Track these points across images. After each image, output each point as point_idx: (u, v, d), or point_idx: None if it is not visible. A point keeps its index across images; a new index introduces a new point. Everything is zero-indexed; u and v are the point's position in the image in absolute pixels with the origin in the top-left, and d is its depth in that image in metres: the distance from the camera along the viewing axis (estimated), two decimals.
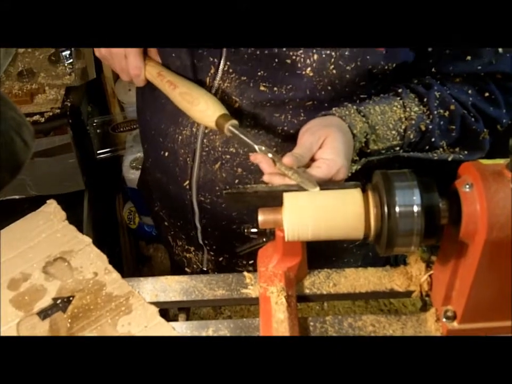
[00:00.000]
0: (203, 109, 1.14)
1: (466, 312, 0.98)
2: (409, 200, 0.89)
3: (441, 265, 1.03)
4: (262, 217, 0.98)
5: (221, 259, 1.52)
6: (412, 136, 1.18)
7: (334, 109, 1.15)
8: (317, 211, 0.94)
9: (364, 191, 0.96)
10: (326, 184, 1.00)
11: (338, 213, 0.94)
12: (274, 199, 0.98)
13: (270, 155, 1.04)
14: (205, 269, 1.58)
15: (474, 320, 0.99)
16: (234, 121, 1.11)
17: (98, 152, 2.57)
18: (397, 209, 0.89)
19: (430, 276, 1.10)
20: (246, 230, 1.08)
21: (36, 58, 2.51)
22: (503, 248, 0.87)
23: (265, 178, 1.04)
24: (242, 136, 1.09)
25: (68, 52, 2.42)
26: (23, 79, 2.34)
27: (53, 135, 2.20)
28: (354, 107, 1.15)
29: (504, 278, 0.91)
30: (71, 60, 2.43)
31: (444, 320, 1.01)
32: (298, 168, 1.01)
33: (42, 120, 2.17)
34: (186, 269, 1.63)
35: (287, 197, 0.96)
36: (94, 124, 2.56)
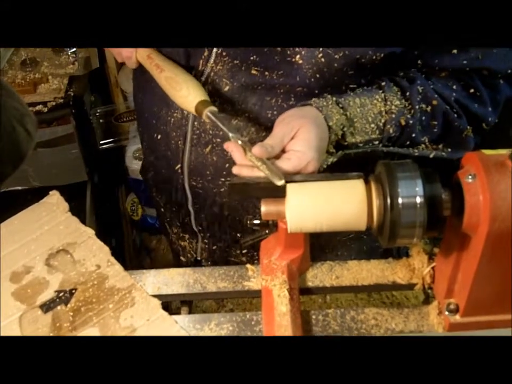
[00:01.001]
0: (185, 95, 1.14)
1: (468, 305, 0.97)
2: (412, 191, 0.88)
3: (444, 258, 1.03)
4: (265, 208, 0.98)
5: (214, 248, 1.52)
6: (391, 131, 1.16)
7: (313, 99, 1.14)
8: (319, 202, 0.94)
9: (367, 181, 0.95)
10: (293, 175, 1.00)
11: (341, 204, 0.93)
12: (277, 191, 0.98)
13: (240, 142, 1.04)
14: (199, 258, 1.58)
15: (477, 314, 0.99)
16: (213, 108, 1.10)
17: (101, 142, 2.57)
18: (400, 200, 0.88)
19: (432, 268, 1.10)
20: (248, 222, 1.08)
21: (41, 48, 2.51)
22: (506, 240, 0.87)
23: (234, 169, 1.04)
24: (218, 122, 1.09)
25: None
26: (26, 68, 2.34)
27: (55, 125, 2.20)
28: (334, 98, 1.14)
29: (507, 270, 0.91)
30: (74, 49, 2.43)
31: (446, 313, 1.01)
32: (268, 159, 1.00)
33: (45, 110, 2.17)
34: (181, 257, 1.63)
35: (290, 188, 0.96)
36: (97, 114, 2.56)
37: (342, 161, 1.13)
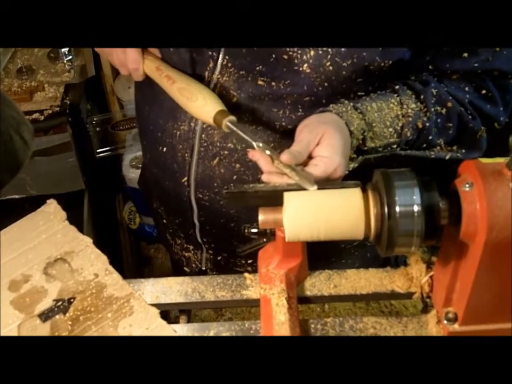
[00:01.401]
0: (201, 105, 1.13)
1: (467, 314, 0.97)
2: (410, 200, 0.88)
3: (442, 267, 1.03)
4: (262, 217, 0.98)
5: (219, 258, 1.52)
6: (409, 134, 1.17)
7: (331, 105, 1.14)
8: (317, 211, 0.94)
9: (364, 190, 0.95)
10: (324, 182, 1.00)
11: (338, 213, 0.93)
12: (274, 199, 0.98)
13: (268, 152, 1.03)
14: (204, 269, 1.57)
15: (476, 322, 0.99)
16: (232, 117, 1.10)
17: (98, 151, 2.56)
18: (397, 209, 0.88)
19: (430, 277, 1.10)
20: (246, 230, 1.07)
21: (35, 55, 2.51)
22: (503, 248, 0.87)
23: (264, 177, 1.04)
24: (240, 132, 1.08)
25: (67, 49, 2.41)
26: (22, 76, 2.34)
27: (52, 134, 2.19)
28: (351, 104, 1.14)
29: (505, 279, 0.91)
30: (70, 57, 2.43)
31: (445, 322, 1.01)
32: (296, 166, 1.00)
33: (42, 118, 2.17)
34: (185, 268, 1.62)
35: (287, 196, 0.96)
36: (94, 122, 2.55)
37: (362, 166, 1.14)
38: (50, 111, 2.19)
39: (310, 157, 1.04)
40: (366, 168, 1.10)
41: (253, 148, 1.06)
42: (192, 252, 1.57)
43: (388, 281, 1.14)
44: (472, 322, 0.99)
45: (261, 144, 1.05)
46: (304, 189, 0.97)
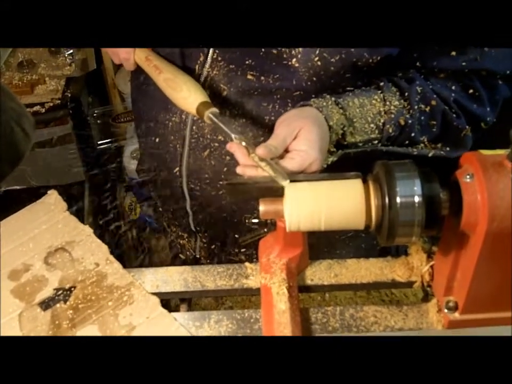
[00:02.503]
0: (185, 96, 1.14)
1: (467, 302, 0.98)
2: (410, 191, 0.88)
3: (443, 256, 1.03)
4: (263, 207, 0.98)
5: (213, 247, 1.52)
6: (390, 130, 1.17)
7: (312, 100, 1.14)
8: (317, 201, 0.94)
9: (365, 181, 0.95)
10: (297, 175, 1.00)
11: (339, 203, 0.93)
12: (275, 190, 0.98)
13: (243, 143, 1.03)
14: (198, 256, 1.59)
15: (476, 311, 0.99)
16: (214, 109, 1.10)
17: (98, 142, 2.57)
18: (398, 199, 0.88)
19: (431, 266, 1.10)
20: (247, 221, 1.08)
21: (36, 49, 2.51)
22: (504, 239, 0.87)
23: (238, 170, 1.04)
24: (220, 124, 1.08)
25: None
26: (23, 69, 2.34)
27: (53, 126, 2.20)
28: (333, 99, 1.14)
29: (505, 268, 0.91)
30: (71, 51, 2.43)
31: (446, 310, 1.01)
32: (271, 159, 1.00)
33: (43, 110, 2.17)
34: (180, 255, 1.64)
35: (288, 188, 0.96)
36: (95, 115, 2.56)
37: (341, 160, 1.13)
38: (51, 104, 2.20)
39: (286, 151, 1.05)
40: (346, 163, 1.11)
41: (231, 140, 1.06)
42: (186, 239, 1.58)
43: (388, 271, 1.14)
44: (472, 311, 0.99)
45: (237, 136, 1.05)
46: (276, 182, 0.97)
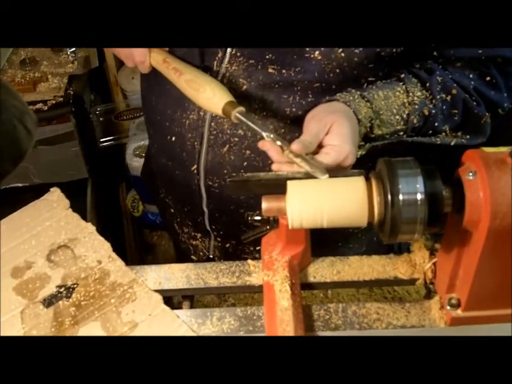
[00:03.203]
0: (209, 96, 1.13)
1: (470, 299, 0.98)
2: (413, 188, 0.88)
3: (445, 253, 1.03)
4: (266, 204, 0.98)
5: (227, 245, 1.52)
6: (415, 121, 1.18)
7: (338, 94, 1.15)
8: (320, 199, 0.94)
9: (368, 178, 0.95)
10: (334, 171, 1.00)
11: (341, 200, 0.93)
12: (278, 187, 0.98)
13: (278, 142, 1.03)
14: (211, 256, 1.58)
15: (478, 308, 0.99)
16: (241, 108, 1.10)
17: (101, 140, 2.57)
18: (401, 197, 0.88)
19: (433, 263, 1.10)
20: (249, 218, 1.08)
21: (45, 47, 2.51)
22: (506, 236, 0.87)
23: (274, 167, 1.04)
24: (250, 123, 1.08)
25: None
26: (26, 67, 2.34)
27: (55, 123, 2.20)
28: (358, 92, 1.15)
29: (507, 265, 0.91)
30: (74, 49, 2.43)
31: (448, 308, 1.01)
32: (306, 155, 1.00)
33: (45, 108, 2.17)
34: (192, 256, 1.63)
35: (290, 184, 0.96)
36: (97, 112, 2.56)
37: (369, 153, 1.14)
38: (53, 101, 2.20)
39: (320, 146, 1.05)
40: (373, 155, 1.11)
41: (263, 138, 1.06)
42: (200, 239, 1.57)
43: (391, 268, 1.14)
44: (475, 308, 0.99)
45: (272, 135, 1.05)
46: (313, 177, 0.98)
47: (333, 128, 1.04)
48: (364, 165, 1.02)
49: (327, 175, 0.97)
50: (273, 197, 0.98)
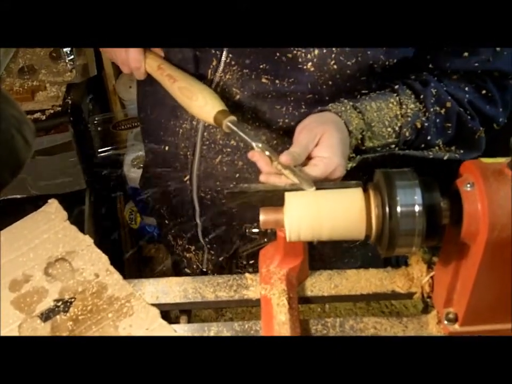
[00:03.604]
0: (202, 104, 1.13)
1: (467, 314, 0.97)
2: (411, 200, 0.88)
3: (443, 267, 1.03)
4: (264, 217, 0.98)
5: (221, 259, 1.51)
6: (407, 134, 1.17)
7: (330, 105, 1.15)
8: (318, 211, 0.94)
9: (365, 190, 0.95)
10: (323, 183, 1.00)
11: (339, 212, 0.93)
12: (275, 199, 0.98)
13: (267, 153, 1.03)
14: (205, 270, 1.57)
15: (476, 323, 0.99)
16: (233, 118, 1.10)
17: (99, 150, 2.56)
18: (398, 209, 0.88)
19: (431, 277, 1.10)
20: (247, 230, 1.07)
21: (37, 54, 2.50)
22: (505, 248, 0.87)
23: (262, 178, 1.04)
24: (240, 132, 1.08)
25: (68, 49, 2.41)
26: (24, 75, 2.34)
27: (53, 133, 2.19)
28: (351, 103, 1.14)
29: (506, 279, 0.91)
30: (72, 57, 2.43)
31: (446, 322, 1.01)
32: (295, 166, 1.00)
33: (43, 117, 2.16)
34: (186, 269, 1.62)
35: (288, 196, 0.96)
36: (95, 122, 2.55)
37: (360, 165, 1.14)
38: (52, 111, 2.19)
39: (309, 157, 1.04)
40: (364, 168, 1.11)
41: (252, 148, 1.06)
42: (193, 252, 1.57)
43: (388, 281, 1.14)
44: (472, 323, 0.99)
45: (260, 145, 1.05)
46: (301, 189, 0.97)
47: (322, 139, 1.04)
48: (354, 177, 1.02)
49: (314, 188, 0.97)
50: (271, 209, 0.98)
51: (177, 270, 1.69)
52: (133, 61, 1.25)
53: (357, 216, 0.93)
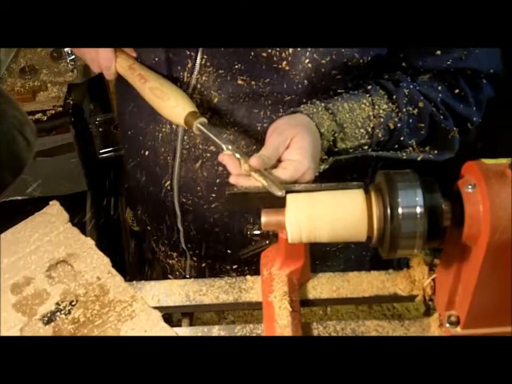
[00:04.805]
0: (173, 105, 1.13)
1: (469, 317, 0.97)
2: (412, 201, 0.88)
3: (444, 269, 1.02)
4: (265, 218, 0.98)
5: (203, 265, 1.51)
6: (380, 135, 1.17)
7: (302, 106, 1.14)
8: (319, 212, 0.94)
9: (367, 191, 0.95)
10: (291, 186, 0.99)
11: (341, 214, 0.93)
12: (277, 200, 0.97)
13: (237, 155, 1.03)
14: (188, 276, 1.56)
15: (478, 326, 0.99)
16: (203, 119, 1.09)
17: (101, 151, 2.55)
18: (400, 210, 0.88)
19: (433, 279, 1.09)
20: (249, 232, 1.07)
21: (38, 54, 2.49)
22: (506, 250, 0.87)
23: (231, 179, 1.03)
24: (210, 134, 1.07)
25: (69, 48, 2.40)
26: (25, 76, 2.33)
27: (55, 134, 2.18)
28: (323, 104, 1.14)
29: (507, 282, 0.91)
30: (73, 57, 2.42)
31: (447, 325, 1.01)
32: (265, 169, 0.99)
33: (45, 118, 2.15)
34: (169, 275, 1.62)
35: (290, 198, 0.96)
36: (97, 122, 2.55)
37: (333, 167, 1.13)
38: (53, 111, 2.18)
39: (279, 160, 1.04)
40: (337, 169, 1.11)
41: (222, 150, 1.05)
42: (176, 259, 1.57)
43: (390, 284, 1.14)
44: (474, 326, 0.99)
45: (230, 147, 1.04)
46: (292, 192, 0.97)
47: (293, 142, 1.03)
48: (328, 179, 1.01)
49: (283, 192, 0.96)
50: (272, 210, 0.98)
51: (163, 276, 1.68)
52: (103, 59, 1.24)
53: (359, 217, 0.93)
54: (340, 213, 0.93)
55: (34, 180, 2.19)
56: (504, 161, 0.89)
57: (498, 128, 1.36)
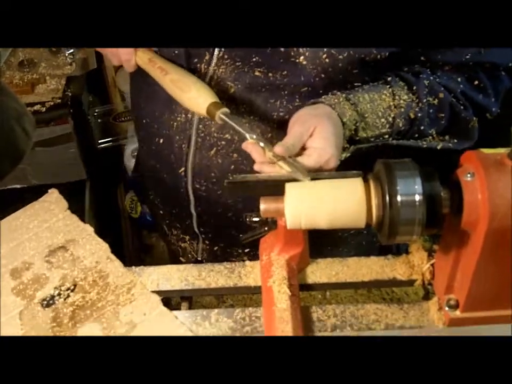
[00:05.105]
0: (194, 96, 1.13)
1: (468, 300, 0.98)
2: (411, 189, 0.88)
3: (443, 254, 1.03)
4: (264, 206, 0.98)
5: (216, 248, 1.52)
6: (401, 124, 1.17)
7: (323, 97, 1.15)
8: (318, 200, 0.94)
9: (366, 180, 0.95)
10: (318, 173, 1.00)
11: (340, 202, 0.93)
12: (276, 188, 0.98)
13: (261, 144, 1.03)
14: (200, 259, 1.58)
15: (477, 309, 1.00)
16: (226, 109, 1.10)
17: (99, 141, 2.57)
18: (399, 198, 0.88)
19: (432, 264, 1.10)
20: (248, 219, 1.08)
21: (37, 48, 2.50)
22: (504, 237, 0.87)
23: (256, 167, 1.04)
24: (233, 124, 1.08)
25: None
26: (24, 69, 2.33)
27: (53, 125, 2.19)
28: (344, 95, 1.14)
29: (506, 267, 0.91)
30: (72, 50, 2.42)
31: (446, 309, 1.02)
32: (289, 157, 1.00)
33: (43, 110, 2.16)
34: (181, 258, 1.63)
35: (288, 185, 0.96)
36: (95, 114, 2.56)
37: (354, 155, 1.14)
38: (51, 103, 2.19)
39: (303, 148, 1.04)
40: (358, 158, 1.11)
41: (246, 139, 1.06)
42: (188, 242, 1.57)
43: (389, 269, 1.14)
44: (473, 309, 1.00)
45: (254, 136, 1.05)
46: (296, 179, 0.97)
47: (316, 131, 1.04)
48: (348, 168, 1.02)
49: (309, 177, 0.97)
50: (271, 198, 0.98)
51: (173, 260, 1.69)
52: (124, 53, 1.25)
53: (357, 205, 0.93)
54: (338, 201, 0.93)
55: (33, 169, 2.19)
56: (502, 150, 0.89)
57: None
